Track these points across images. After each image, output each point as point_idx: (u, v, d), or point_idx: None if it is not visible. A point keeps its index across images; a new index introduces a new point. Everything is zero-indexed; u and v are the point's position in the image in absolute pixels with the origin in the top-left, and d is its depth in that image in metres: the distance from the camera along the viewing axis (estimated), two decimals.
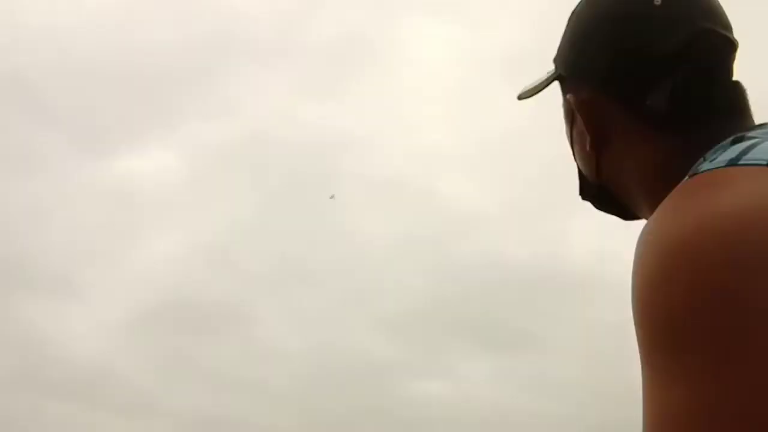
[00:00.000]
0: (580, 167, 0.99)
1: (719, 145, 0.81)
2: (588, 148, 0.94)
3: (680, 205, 0.73)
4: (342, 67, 17.06)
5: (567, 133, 1.00)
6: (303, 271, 15.59)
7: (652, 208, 0.85)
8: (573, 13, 0.99)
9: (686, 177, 0.78)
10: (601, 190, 0.98)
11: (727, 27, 0.93)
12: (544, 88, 1.02)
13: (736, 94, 0.92)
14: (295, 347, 14.79)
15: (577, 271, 14.70)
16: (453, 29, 17.03)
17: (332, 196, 11.96)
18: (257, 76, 16.60)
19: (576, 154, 0.99)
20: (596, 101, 0.92)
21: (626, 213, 1.00)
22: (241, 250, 16.17)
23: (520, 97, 1.06)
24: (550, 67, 1.03)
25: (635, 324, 0.70)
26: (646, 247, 0.71)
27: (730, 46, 0.92)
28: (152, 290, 15.08)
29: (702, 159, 0.81)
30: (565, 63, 0.97)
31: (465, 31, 17.23)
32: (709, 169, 0.75)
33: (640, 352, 0.70)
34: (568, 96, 0.96)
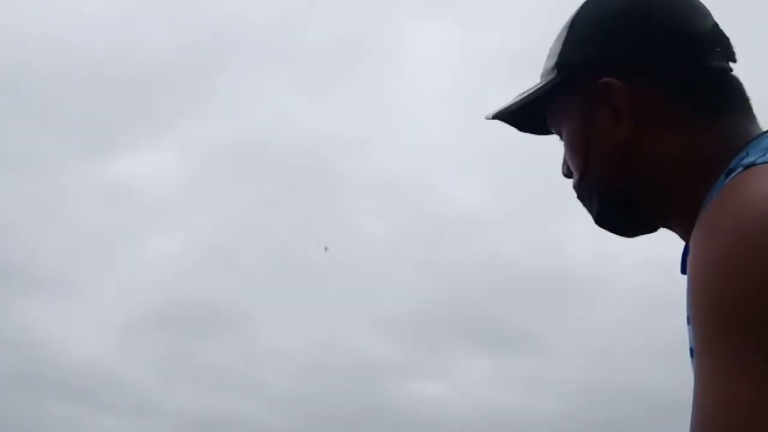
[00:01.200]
0: (603, 173, 0.94)
1: (759, 138, 0.83)
2: (623, 136, 0.90)
3: (749, 192, 0.72)
4: (340, 67, 17.06)
5: (578, 141, 0.96)
6: (301, 272, 15.59)
7: (682, 205, 0.87)
8: (583, 8, 0.97)
9: (735, 169, 0.78)
10: (621, 196, 0.94)
11: None
12: (540, 95, 0.97)
13: (741, 84, 0.92)
14: (294, 347, 14.80)
15: (576, 272, 14.71)
16: (451, 29, 17.05)
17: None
18: (255, 77, 16.60)
19: (597, 158, 0.94)
20: (639, 86, 0.90)
21: (639, 224, 0.97)
22: (241, 251, 16.18)
23: (495, 116, 1.02)
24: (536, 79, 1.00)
25: (695, 312, 0.70)
26: (714, 233, 0.71)
27: None
28: (152, 290, 15.08)
29: (745, 153, 0.81)
30: (594, 54, 0.93)
31: (464, 31, 17.25)
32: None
33: (699, 340, 0.69)
34: (603, 84, 0.91)
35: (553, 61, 0.97)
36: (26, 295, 14.67)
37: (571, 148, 0.97)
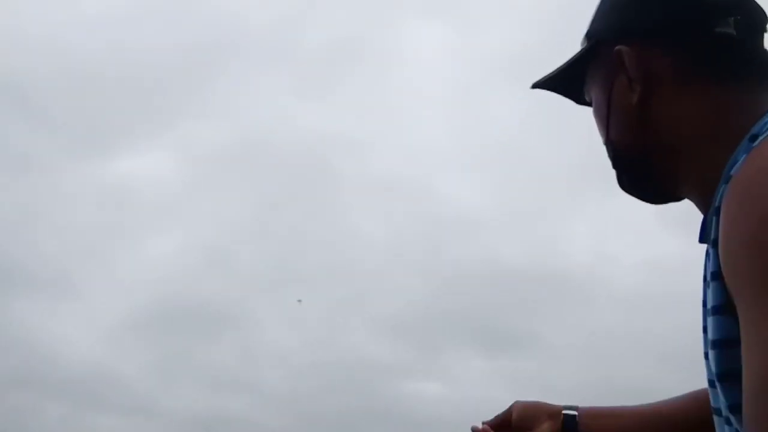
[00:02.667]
0: (620, 136, 0.99)
1: None
2: (635, 100, 0.94)
3: None
4: (340, 68, 17.06)
5: (601, 107, 1.00)
6: (300, 272, 15.60)
7: (698, 168, 0.89)
8: None
9: (760, 134, 0.80)
10: (639, 160, 0.98)
11: None
12: (575, 63, 1.03)
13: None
14: (293, 348, 14.80)
15: (574, 272, 14.71)
16: (451, 30, 17.04)
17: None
18: (254, 77, 16.60)
19: (616, 122, 0.99)
20: (651, 53, 0.94)
21: (660, 190, 1.00)
22: (239, 251, 16.18)
23: (536, 85, 1.09)
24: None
25: (737, 267, 0.72)
26: (753, 188, 0.73)
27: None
28: (150, 291, 15.08)
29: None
30: (613, 23, 0.99)
31: (463, 32, 17.24)
32: None
33: (745, 295, 0.71)
34: (616, 51, 0.96)
35: (586, 31, 1.03)
36: (24, 295, 14.67)
37: (596, 113, 1.03)
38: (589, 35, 1.02)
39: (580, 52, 1.03)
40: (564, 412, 1.34)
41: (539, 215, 15.51)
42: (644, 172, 0.99)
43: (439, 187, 16.87)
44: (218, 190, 16.56)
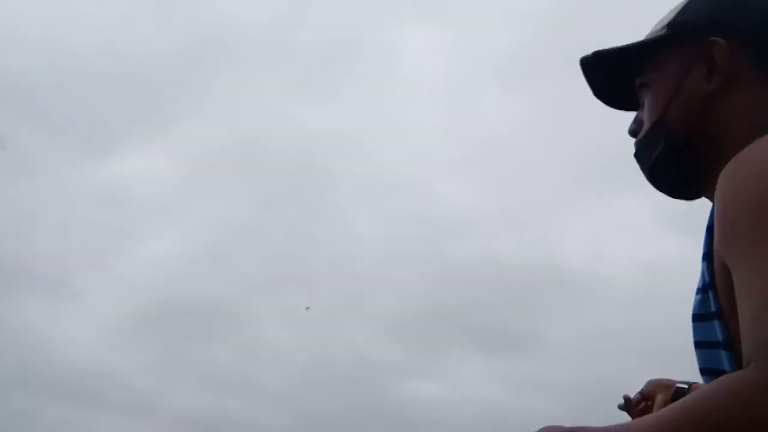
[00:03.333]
0: (680, 117, 1.06)
1: None
2: (711, 89, 1.03)
3: None
4: (335, 70, 17.06)
5: (665, 89, 1.08)
6: (299, 272, 15.59)
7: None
8: None
9: None
10: (685, 143, 1.05)
11: None
12: (651, 43, 1.10)
13: None
14: (292, 348, 14.79)
15: (573, 272, 14.71)
16: (446, 33, 17.04)
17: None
18: (250, 79, 16.59)
19: (679, 104, 1.06)
20: (739, 52, 1.04)
21: (690, 178, 1.07)
22: (238, 251, 16.17)
23: (590, 56, 1.15)
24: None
25: (733, 225, 0.82)
26: (753, 161, 0.84)
27: None
28: (149, 291, 15.07)
29: None
30: (710, 18, 1.07)
31: (459, 34, 17.24)
32: None
33: (742, 247, 0.80)
34: (711, 42, 1.05)
35: (666, 21, 1.11)
36: (24, 296, 14.66)
37: (657, 94, 1.09)
38: (673, 24, 1.10)
39: (662, 35, 1.10)
40: (677, 385, 1.45)
41: (538, 216, 15.52)
42: (684, 156, 1.06)
43: (438, 187, 16.88)
44: (217, 190, 16.55)
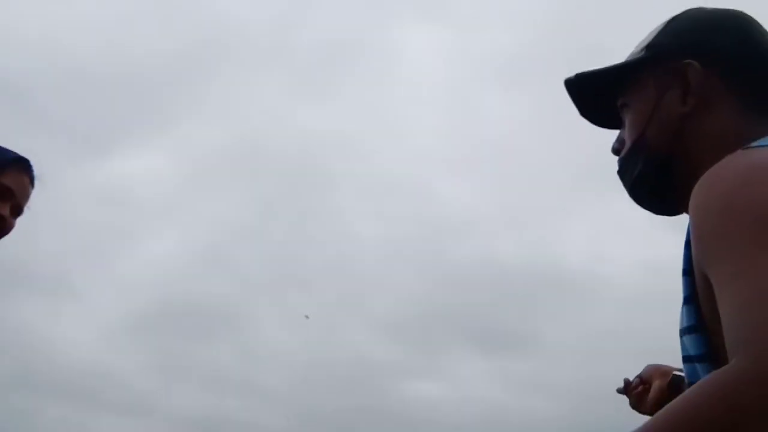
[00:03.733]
0: (657, 137, 1.11)
1: None
2: (686, 110, 1.09)
3: (742, 156, 0.95)
4: (335, 69, 17.06)
5: (644, 109, 1.13)
6: (299, 273, 15.59)
7: None
8: (685, 11, 1.16)
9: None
10: (664, 161, 1.10)
11: None
12: (629, 66, 1.16)
13: None
14: (292, 348, 14.79)
15: (573, 272, 14.72)
16: (446, 32, 17.04)
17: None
18: (250, 79, 16.59)
19: (657, 124, 1.11)
20: (713, 74, 1.09)
21: (670, 195, 1.11)
22: (238, 252, 16.18)
23: (573, 78, 1.20)
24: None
25: (710, 237, 0.86)
26: (722, 175, 0.89)
27: None
28: (149, 292, 15.07)
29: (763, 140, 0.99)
30: (686, 41, 1.13)
31: (458, 34, 17.25)
32: (761, 146, 0.96)
33: (718, 255, 0.84)
34: (685, 64, 1.10)
35: (645, 43, 1.16)
36: (24, 296, 14.66)
37: (637, 114, 1.14)
38: (651, 47, 1.14)
39: (641, 57, 1.14)
40: (674, 372, 1.46)
41: (538, 216, 15.52)
42: (663, 174, 1.11)
43: (438, 187, 16.89)
44: (217, 190, 16.56)
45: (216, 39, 16.51)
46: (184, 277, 15.27)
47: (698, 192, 0.92)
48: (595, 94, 1.21)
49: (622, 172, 1.16)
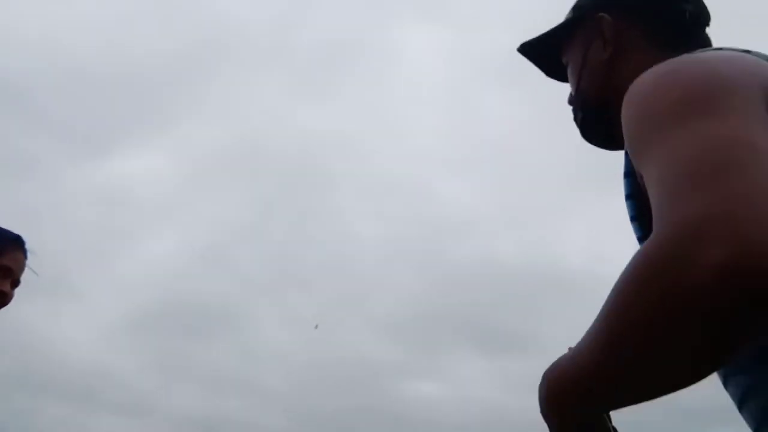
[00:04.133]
0: (589, 85, 1.25)
1: None
2: (606, 57, 1.22)
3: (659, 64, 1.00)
4: (335, 69, 17.08)
5: (577, 62, 1.27)
6: (299, 273, 15.60)
7: None
8: None
9: None
10: (601, 106, 1.21)
11: None
12: (562, 27, 1.30)
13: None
14: (291, 348, 14.80)
15: (573, 272, 14.71)
16: (446, 32, 17.04)
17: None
18: (250, 79, 16.60)
19: (587, 73, 1.26)
20: (625, 23, 1.23)
21: (613, 134, 1.17)
22: (237, 252, 16.18)
23: (522, 47, 1.36)
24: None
25: (633, 134, 0.90)
26: (642, 77, 0.94)
27: None
28: (149, 292, 15.08)
29: None
30: (599, 1, 1.26)
31: (458, 34, 17.24)
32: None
33: (642, 149, 0.87)
34: (598, 17, 1.24)
35: (572, 5, 1.31)
36: (24, 296, 14.65)
37: (573, 68, 1.29)
38: (575, 8, 1.31)
39: (569, 18, 1.30)
40: None
41: (538, 216, 15.52)
42: (603, 117, 1.21)
43: (438, 187, 16.89)
44: (217, 190, 16.56)
45: (216, 39, 16.55)
46: (184, 277, 15.29)
47: (624, 101, 1.00)
48: (548, 56, 1.37)
49: (574, 120, 1.30)
